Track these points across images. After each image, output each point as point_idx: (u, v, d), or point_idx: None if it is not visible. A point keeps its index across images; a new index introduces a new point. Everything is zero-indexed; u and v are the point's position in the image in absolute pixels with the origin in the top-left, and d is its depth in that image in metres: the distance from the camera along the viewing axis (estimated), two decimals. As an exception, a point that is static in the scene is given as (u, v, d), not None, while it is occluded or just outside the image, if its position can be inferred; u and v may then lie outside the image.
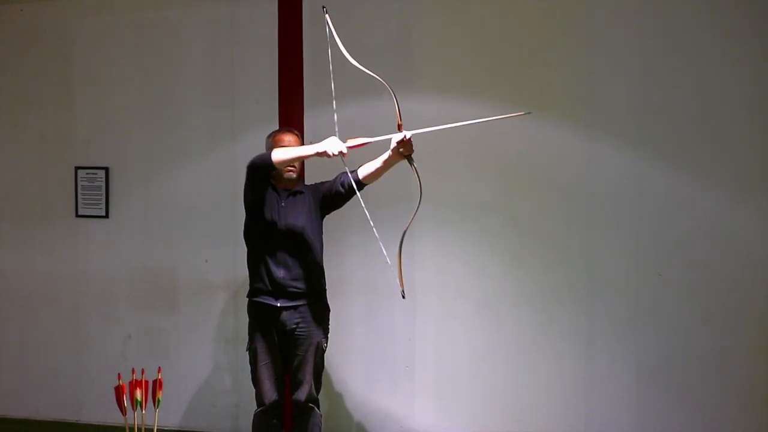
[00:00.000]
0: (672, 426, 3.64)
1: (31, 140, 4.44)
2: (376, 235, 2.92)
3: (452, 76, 3.83)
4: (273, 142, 3.23)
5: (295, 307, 3.17)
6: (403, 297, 2.89)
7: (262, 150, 3.22)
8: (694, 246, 3.59)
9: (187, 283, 4.20)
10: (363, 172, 3.10)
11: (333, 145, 2.89)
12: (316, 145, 2.95)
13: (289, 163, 3.09)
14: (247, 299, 3.29)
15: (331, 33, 2.97)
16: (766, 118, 3.51)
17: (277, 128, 3.56)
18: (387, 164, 3.02)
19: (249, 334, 3.28)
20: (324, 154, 2.90)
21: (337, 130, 2.96)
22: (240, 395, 4.09)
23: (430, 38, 3.86)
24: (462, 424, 3.87)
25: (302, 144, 3.31)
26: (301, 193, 3.26)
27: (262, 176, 3.10)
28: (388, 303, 3.91)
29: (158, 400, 3.56)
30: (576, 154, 3.70)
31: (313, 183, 3.38)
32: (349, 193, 3.15)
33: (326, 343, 3.28)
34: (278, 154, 3.01)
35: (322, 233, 3.29)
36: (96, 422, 4.32)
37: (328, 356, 3.88)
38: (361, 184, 3.10)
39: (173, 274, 4.22)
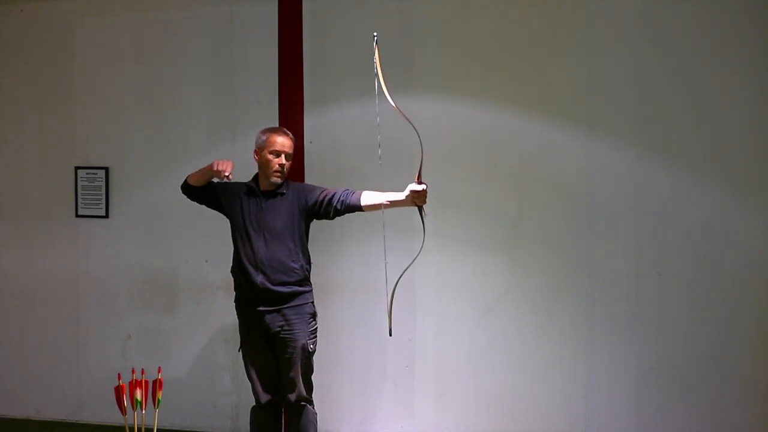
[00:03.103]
0: (672, 426, 3.64)
1: (31, 140, 4.43)
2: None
3: (452, 76, 3.82)
4: (267, 143, 3.18)
5: (277, 311, 3.14)
6: (390, 335, 3.00)
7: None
8: (694, 246, 3.59)
9: (187, 283, 4.20)
10: (366, 200, 3.07)
11: (227, 167, 3.10)
12: (215, 162, 3.13)
13: (203, 181, 3.24)
14: (234, 302, 3.30)
15: (377, 65, 2.93)
16: (765, 118, 3.51)
17: (277, 126, 3.55)
18: (393, 205, 3.03)
19: (239, 334, 3.29)
20: (216, 172, 3.12)
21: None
22: (240, 395, 4.09)
23: (430, 38, 3.86)
24: (462, 424, 3.87)
25: (295, 146, 3.29)
26: (283, 194, 3.19)
27: (195, 196, 3.32)
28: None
29: (158, 400, 3.56)
30: (576, 154, 3.70)
31: (302, 183, 3.34)
32: (345, 213, 3.14)
33: (313, 345, 3.23)
34: (192, 178, 3.26)
35: (305, 234, 3.23)
36: (96, 422, 4.32)
37: (329, 356, 3.90)
38: (359, 209, 3.10)
39: (173, 274, 4.22)
